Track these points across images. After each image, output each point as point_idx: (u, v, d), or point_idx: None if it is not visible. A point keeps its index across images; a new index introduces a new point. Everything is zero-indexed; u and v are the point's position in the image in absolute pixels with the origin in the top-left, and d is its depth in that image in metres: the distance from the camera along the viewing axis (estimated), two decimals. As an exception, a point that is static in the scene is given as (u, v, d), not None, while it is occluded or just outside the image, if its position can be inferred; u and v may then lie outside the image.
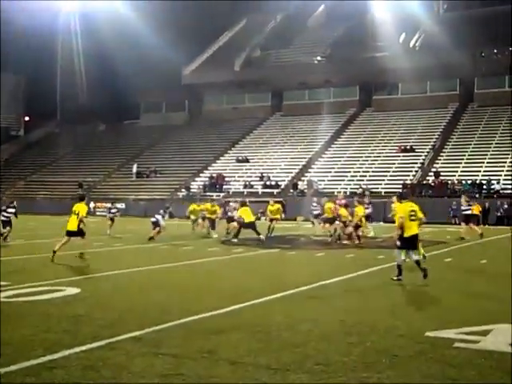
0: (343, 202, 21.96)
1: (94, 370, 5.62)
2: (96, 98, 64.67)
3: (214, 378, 5.45)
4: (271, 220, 25.29)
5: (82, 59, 67.06)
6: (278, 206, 26.01)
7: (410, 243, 12.02)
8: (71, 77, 67.08)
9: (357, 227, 20.88)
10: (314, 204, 27.79)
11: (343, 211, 21.32)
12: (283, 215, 26.85)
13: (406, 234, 11.94)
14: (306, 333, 7.25)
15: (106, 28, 59.20)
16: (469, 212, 24.69)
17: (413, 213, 12.05)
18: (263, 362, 5.93)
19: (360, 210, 21.26)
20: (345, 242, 20.97)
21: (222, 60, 65.35)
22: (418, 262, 12.01)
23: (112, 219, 26.69)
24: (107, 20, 59.54)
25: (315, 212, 27.30)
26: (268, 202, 27.09)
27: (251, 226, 22.19)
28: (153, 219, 22.88)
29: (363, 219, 21.70)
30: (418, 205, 12.54)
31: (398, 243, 12.10)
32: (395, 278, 11.90)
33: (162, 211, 23.48)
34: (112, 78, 61.87)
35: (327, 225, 22.44)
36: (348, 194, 39.57)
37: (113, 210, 27.64)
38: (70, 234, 15.51)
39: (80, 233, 15.54)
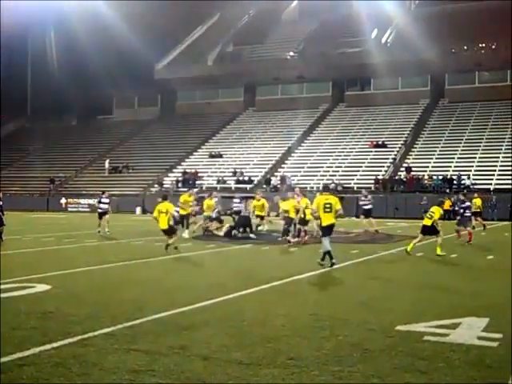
0: (300, 197, 20.82)
1: (65, 367, 5.58)
2: (68, 92, 63.95)
3: (185, 374, 5.44)
4: (258, 217, 23.29)
5: (54, 54, 66.30)
6: (264, 201, 23.66)
7: (327, 231, 13.26)
8: (43, 71, 66.29)
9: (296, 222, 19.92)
10: (236, 201, 27.26)
11: (284, 205, 20.28)
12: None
13: (323, 224, 13.21)
14: (278, 328, 7.28)
15: (78, 22, 58.59)
16: (369, 207, 24.96)
17: (328, 205, 13.18)
18: (235, 358, 5.94)
19: (303, 202, 20.08)
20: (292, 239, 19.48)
21: (194, 55, 65.18)
22: (329, 251, 13.15)
23: (104, 214, 23.34)
24: (79, 14, 58.93)
25: (236, 209, 26.89)
26: (253, 197, 25.33)
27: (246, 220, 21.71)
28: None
29: (307, 211, 19.86)
30: (336, 198, 13.69)
31: (320, 232, 13.63)
32: (321, 262, 13.09)
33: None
34: (84, 73, 61.22)
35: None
36: (320, 189, 39.71)
37: (104, 200, 23.94)
38: (164, 232, 16.58)
39: (172, 230, 16.62)
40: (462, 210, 20.55)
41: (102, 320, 7.56)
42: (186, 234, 21.37)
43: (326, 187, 14.71)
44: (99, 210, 23.91)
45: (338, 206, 13.31)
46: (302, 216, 19.57)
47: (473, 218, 27.67)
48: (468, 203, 20.94)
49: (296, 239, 19.35)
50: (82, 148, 61.27)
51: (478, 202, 28.88)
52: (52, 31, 66.15)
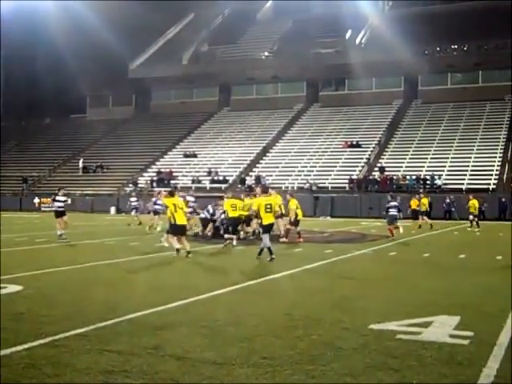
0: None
1: (36, 368, 5.52)
2: (42, 91, 63.23)
3: (159, 374, 5.42)
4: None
5: (28, 52, 65.41)
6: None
7: (267, 229, 14.30)
8: (15, 69, 65.41)
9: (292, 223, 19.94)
10: (133, 199, 28.35)
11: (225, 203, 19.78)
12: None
13: (264, 223, 14.28)
14: (252, 327, 7.28)
15: (52, 20, 57.93)
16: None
17: (268, 206, 14.18)
18: (209, 357, 5.93)
19: (293, 204, 19.86)
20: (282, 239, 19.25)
21: (169, 54, 64.92)
22: (269, 247, 14.15)
23: (61, 214, 20.07)
24: (53, 13, 58.28)
25: (133, 204, 27.69)
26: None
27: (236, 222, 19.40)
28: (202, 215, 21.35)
29: (299, 212, 20.09)
30: (275, 199, 14.87)
31: (261, 229, 14.80)
32: (258, 257, 14.26)
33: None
34: (58, 72, 60.57)
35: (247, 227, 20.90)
36: (296, 188, 39.96)
37: (59, 198, 20.60)
38: (182, 229, 15.99)
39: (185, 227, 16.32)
40: (389, 209, 21.92)
41: (75, 321, 7.49)
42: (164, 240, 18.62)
43: (265, 187, 15.47)
44: (54, 209, 20.70)
45: (277, 208, 14.71)
46: (293, 217, 19.75)
47: (420, 216, 28.79)
48: (394, 203, 22.08)
49: (284, 239, 19.31)
50: (55, 147, 60.73)
51: (425, 201, 29.66)
52: (25, 29, 65.18)
